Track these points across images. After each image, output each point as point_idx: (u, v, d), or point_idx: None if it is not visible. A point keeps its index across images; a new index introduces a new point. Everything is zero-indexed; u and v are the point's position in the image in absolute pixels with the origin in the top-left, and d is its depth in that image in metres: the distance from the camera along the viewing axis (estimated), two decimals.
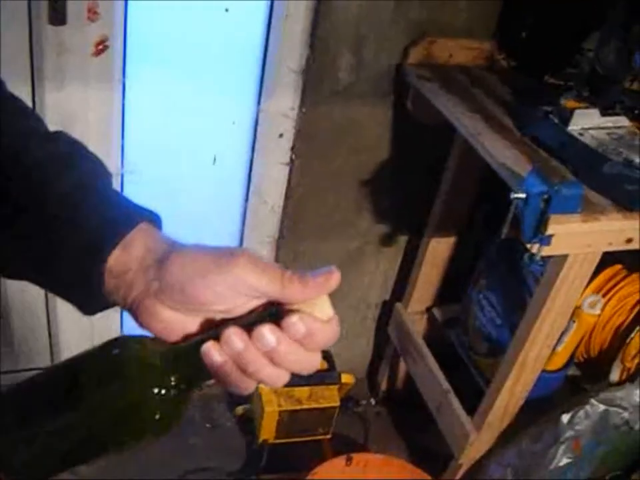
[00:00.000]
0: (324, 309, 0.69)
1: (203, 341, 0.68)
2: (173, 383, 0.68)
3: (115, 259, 0.71)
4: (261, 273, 0.68)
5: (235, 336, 0.67)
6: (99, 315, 0.77)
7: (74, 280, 0.73)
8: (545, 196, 1.49)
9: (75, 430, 0.67)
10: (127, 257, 0.71)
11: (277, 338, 0.66)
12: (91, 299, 0.74)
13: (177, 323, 0.71)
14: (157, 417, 0.68)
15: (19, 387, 0.71)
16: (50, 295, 2.32)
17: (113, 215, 0.73)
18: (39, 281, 0.77)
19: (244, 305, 0.70)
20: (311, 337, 0.67)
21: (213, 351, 0.67)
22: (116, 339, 0.71)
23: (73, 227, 0.72)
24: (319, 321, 0.68)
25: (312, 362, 0.70)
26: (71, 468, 0.69)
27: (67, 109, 1.92)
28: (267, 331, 0.66)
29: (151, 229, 0.74)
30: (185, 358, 0.69)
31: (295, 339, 0.67)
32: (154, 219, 0.75)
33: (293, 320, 0.67)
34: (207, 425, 2.64)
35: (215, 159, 2.27)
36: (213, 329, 0.70)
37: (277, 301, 0.69)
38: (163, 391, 0.67)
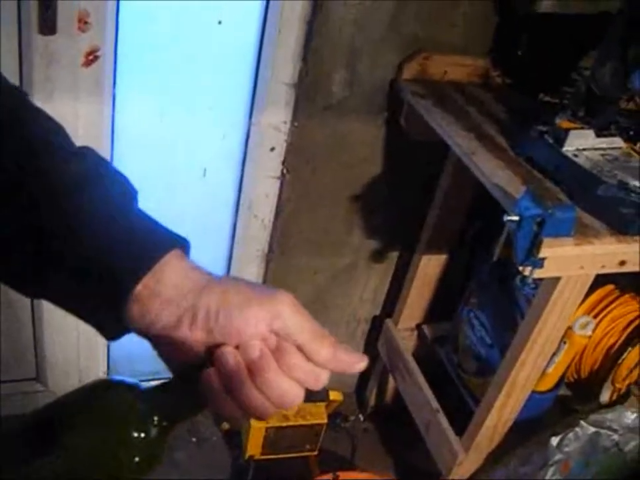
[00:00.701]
0: None
1: (194, 370, 0.69)
2: (155, 423, 0.68)
3: (145, 284, 0.70)
4: (303, 317, 0.69)
5: (228, 354, 0.68)
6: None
7: (98, 303, 0.72)
8: (538, 219, 1.48)
9: (59, 472, 0.66)
10: (158, 283, 0.70)
11: (260, 350, 0.68)
12: (114, 323, 0.72)
13: (192, 351, 0.70)
14: (137, 460, 0.68)
15: (4, 428, 0.70)
16: (36, 309, 2.31)
17: (145, 239, 0.72)
18: (62, 303, 0.75)
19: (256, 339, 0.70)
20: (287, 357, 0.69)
21: (211, 375, 0.68)
22: (98, 382, 0.71)
23: (101, 248, 0.70)
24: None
25: (293, 392, 0.69)
26: None
27: (56, 119, 1.90)
28: (256, 344, 0.68)
29: (183, 257, 0.73)
30: (174, 391, 0.70)
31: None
32: (185, 245, 0.74)
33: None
34: (193, 439, 2.62)
35: (205, 172, 2.25)
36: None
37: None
38: (142, 435, 0.67)
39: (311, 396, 2.35)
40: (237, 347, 0.68)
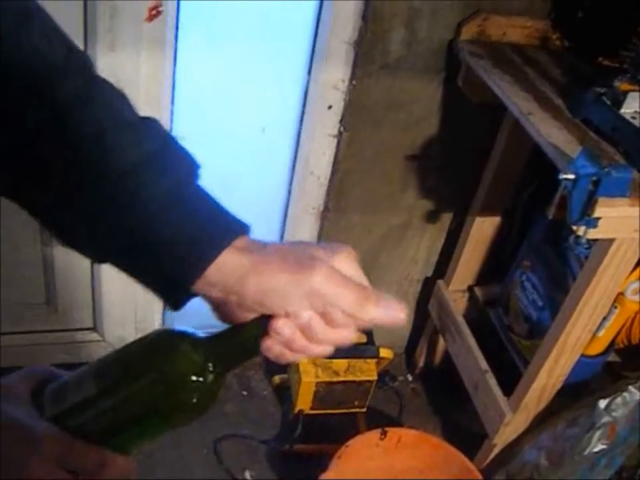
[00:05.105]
0: None
1: (255, 334, 0.76)
2: (211, 369, 0.76)
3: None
4: (341, 288, 0.74)
5: (285, 327, 0.74)
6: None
7: (158, 281, 0.78)
8: (594, 178, 1.48)
9: (120, 410, 0.76)
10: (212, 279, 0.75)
11: (309, 317, 0.74)
12: (174, 299, 0.79)
13: (243, 317, 0.77)
14: (194, 400, 0.76)
15: (83, 370, 0.78)
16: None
17: (206, 231, 0.75)
18: (124, 271, 0.80)
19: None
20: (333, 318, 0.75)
21: (273, 346, 0.76)
22: (160, 332, 0.79)
23: (161, 235, 0.74)
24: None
25: (344, 337, 0.77)
26: (119, 438, 0.78)
27: (118, 73, 1.91)
28: (304, 312, 0.74)
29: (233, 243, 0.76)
30: (231, 346, 0.78)
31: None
32: (244, 231, 0.78)
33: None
34: (244, 393, 2.66)
35: (264, 130, 2.27)
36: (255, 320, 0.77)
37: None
38: (200, 379, 0.75)
39: (362, 353, 2.38)
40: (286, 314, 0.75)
